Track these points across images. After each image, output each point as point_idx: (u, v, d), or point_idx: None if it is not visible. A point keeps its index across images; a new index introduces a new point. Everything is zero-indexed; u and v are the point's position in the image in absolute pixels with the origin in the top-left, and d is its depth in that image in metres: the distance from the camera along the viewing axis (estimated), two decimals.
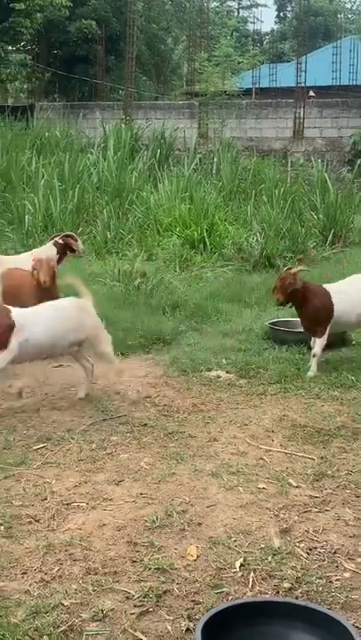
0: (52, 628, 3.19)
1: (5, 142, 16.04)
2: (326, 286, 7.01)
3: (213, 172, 16.37)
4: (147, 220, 13.11)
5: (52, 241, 8.11)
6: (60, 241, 8.05)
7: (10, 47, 22.10)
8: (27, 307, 6.01)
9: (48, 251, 7.94)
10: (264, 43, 50.65)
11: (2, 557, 3.74)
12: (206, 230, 12.20)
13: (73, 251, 8.19)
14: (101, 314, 8.11)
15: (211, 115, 20.50)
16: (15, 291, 6.88)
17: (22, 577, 3.60)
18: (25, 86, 27.97)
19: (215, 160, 16.86)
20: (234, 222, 13.26)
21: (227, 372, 6.85)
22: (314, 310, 6.81)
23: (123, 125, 19.00)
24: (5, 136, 16.48)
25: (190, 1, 31.31)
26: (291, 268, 6.95)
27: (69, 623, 3.25)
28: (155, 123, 19.79)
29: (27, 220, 12.39)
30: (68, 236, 8.24)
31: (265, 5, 76.08)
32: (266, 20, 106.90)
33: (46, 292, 6.60)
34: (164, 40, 30.70)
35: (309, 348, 7.00)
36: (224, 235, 12.42)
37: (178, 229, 12.45)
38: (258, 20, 65.34)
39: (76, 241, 8.19)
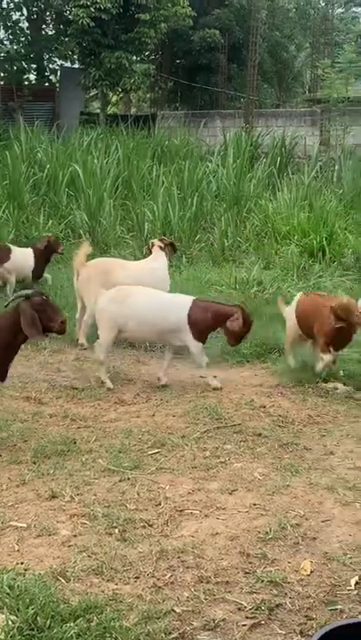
0: (163, 635, 3.20)
1: (127, 151, 16.34)
2: None
3: (334, 179, 16.08)
4: (265, 229, 13.03)
5: (157, 247, 8.23)
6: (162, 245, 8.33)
7: (134, 57, 22.44)
8: None
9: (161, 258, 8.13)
10: None
11: (116, 561, 3.79)
12: (326, 239, 11.99)
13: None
14: None
15: (333, 122, 20.16)
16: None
17: (135, 581, 3.63)
18: (148, 96, 28.39)
19: (336, 168, 16.58)
20: (354, 231, 12.98)
21: (344, 384, 6.70)
22: None
23: (243, 133, 18.99)
24: (127, 145, 16.78)
25: (315, 8, 30.91)
26: None
27: (181, 630, 3.25)
28: (275, 130, 19.65)
29: (146, 228, 12.57)
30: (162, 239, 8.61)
31: None
32: None
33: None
34: (286, 47, 30.48)
35: None
36: (344, 244, 12.16)
37: (296, 238, 12.30)
38: None
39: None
